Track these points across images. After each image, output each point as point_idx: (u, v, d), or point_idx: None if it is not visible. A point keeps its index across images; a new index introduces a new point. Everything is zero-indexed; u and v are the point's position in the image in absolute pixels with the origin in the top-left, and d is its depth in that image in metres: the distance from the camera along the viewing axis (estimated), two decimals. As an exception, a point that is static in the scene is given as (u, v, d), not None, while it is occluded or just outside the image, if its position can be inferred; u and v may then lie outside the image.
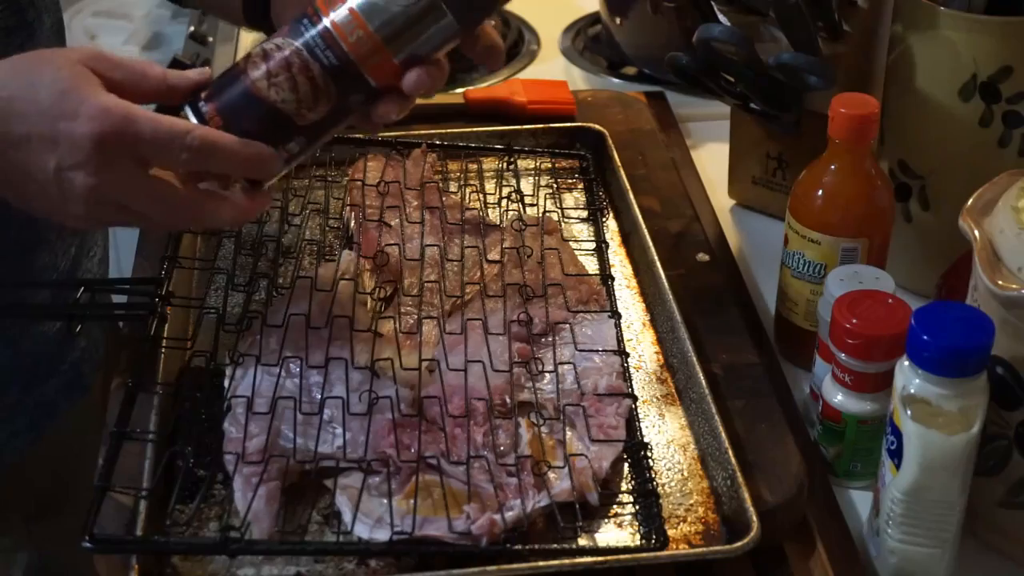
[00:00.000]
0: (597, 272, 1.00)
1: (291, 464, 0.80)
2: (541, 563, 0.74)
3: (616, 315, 0.94)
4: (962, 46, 0.93)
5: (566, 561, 0.75)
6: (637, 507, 0.80)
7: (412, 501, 0.76)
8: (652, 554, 0.76)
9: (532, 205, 1.07)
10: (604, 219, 1.07)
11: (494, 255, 0.98)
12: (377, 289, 0.95)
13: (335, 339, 0.88)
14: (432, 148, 1.12)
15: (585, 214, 1.08)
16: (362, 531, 0.75)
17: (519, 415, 0.84)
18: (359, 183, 1.06)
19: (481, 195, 1.08)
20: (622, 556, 0.75)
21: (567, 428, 0.83)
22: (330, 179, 1.10)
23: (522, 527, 0.76)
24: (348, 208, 1.04)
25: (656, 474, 0.82)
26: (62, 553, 1.13)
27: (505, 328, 0.90)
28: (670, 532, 0.77)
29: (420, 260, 0.97)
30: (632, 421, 0.85)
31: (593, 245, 1.03)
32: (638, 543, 0.77)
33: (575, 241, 1.04)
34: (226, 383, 0.85)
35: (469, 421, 0.82)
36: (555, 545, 0.76)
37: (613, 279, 0.98)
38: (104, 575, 0.77)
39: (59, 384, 1.07)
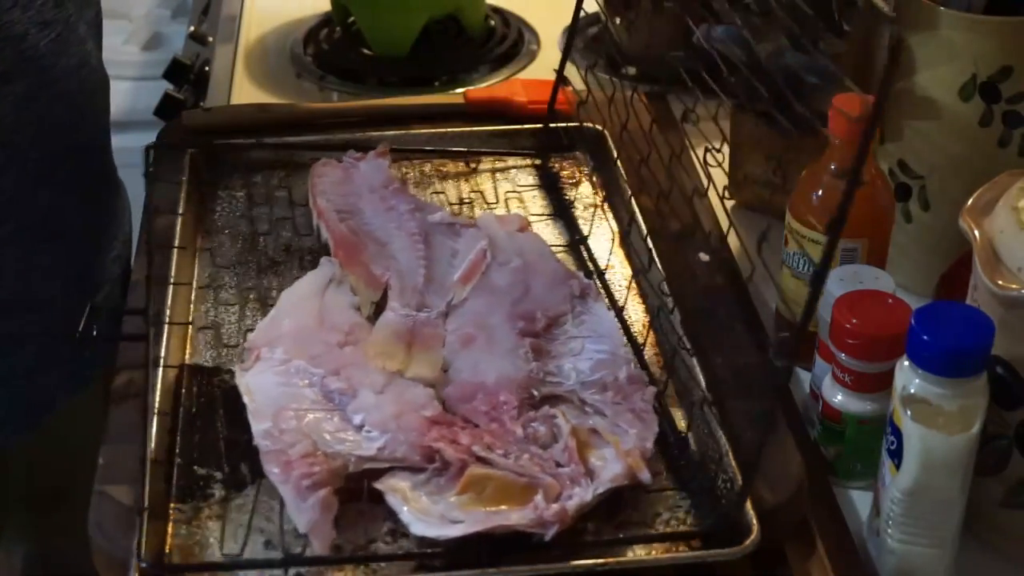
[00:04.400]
0: (580, 268, 1.00)
1: (337, 468, 0.78)
2: (541, 565, 0.74)
3: (615, 307, 0.94)
4: (962, 46, 0.93)
5: (566, 563, 0.75)
6: (681, 496, 0.80)
7: (471, 496, 0.76)
8: (652, 556, 0.76)
9: (494, 204, 1.08)
10: (600, 217, 1.07)
11: (476, 255, 0.98)
12: (368, 293, 0.94)
13: (342, 345, 0.88)
14: (391, 151, 1.11)
15: (582, 209, 1.08)
16: (425, 530, 0.75)
17: (549, 407, 0.84)
18: (323, 190, 1.04)
19: (445, 195, 1.08)
20: (699, 552, 0.76)
21: (598, 417, 0.83)
22: (292, 186, 1.09)
23: (584, 513, 0.77)
24: (316, 215, 1.03)
25: (697, 460, 0.82)
26: (63, 546, 1.13)
27: (510, 325, 0.90)
28: (673, 542, 0.78)
29: (408, 263, 0.97)
30: (661, 411, 0.85)
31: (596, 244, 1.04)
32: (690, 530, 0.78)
33: (556, 238, 1.04)
34: (245, 400, 0.83)
35: (504, 414, 0.82)
36: (620, 535, 0.77)
37: (603, 273, 0.99)
38: (103, 574, 0.77)
39: (60, 376, 1.08)
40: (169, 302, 0.92)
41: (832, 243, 0.68)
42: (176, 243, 0.98)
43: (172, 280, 0.94)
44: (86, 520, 0.78)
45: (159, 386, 0.85)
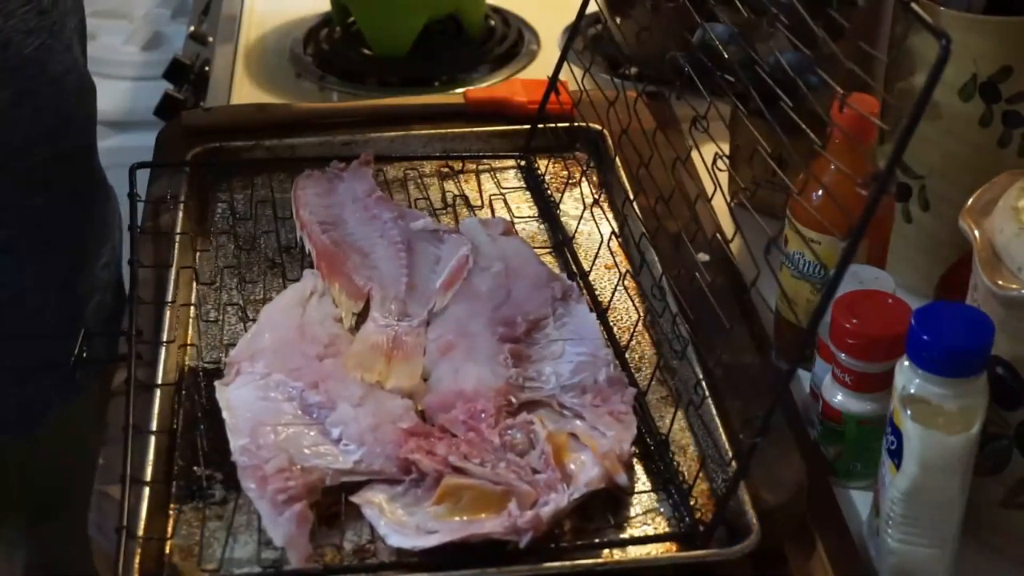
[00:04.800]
0: (566, 271, 1.01)
1: (313, 482, 0.78)
2: (543, 565, 0.74)
3: (599, 309, 0.94)
4: (962, 46, 0.93)
5: (566, 564, 0.75)
6: (660, 498, 0.80)
7: (447, 506, 0.76)
8: (652, 556, 0.76)
9: (479, 207, 1.08)
10: (595, 217, 1.07)
11: (457, 262, 0.98)
12: (349, 304, 0.94)
13: (322, 358, 0.88)
14: (375, 159, 1.11)
15: (576, 210, 1.08)
16: (401, 541, 0.75)
17: (527, 413, 0.84)
18: (306, 202, 1.04)
19: (429, 201, 1.08)
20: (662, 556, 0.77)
21: (576, 420, 0.83)
22: (276, 199, 1.08)
23: (561, 519, 0.77)
24: (300, 227, 1.03)
25: (677, 463, 0.82)
26: (62, 550, 1.13)
27: (491, 330, 0.90)
28: (650, 546, 0.78)
29: (390, 272, 0.97)
30: (641, 412, 0.85)
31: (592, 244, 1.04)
32: (667, 532, 0.78)
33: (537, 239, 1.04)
34: (224, 415, 0.83)
35: (481, 423, 0.82)
36: (595, 539, 0.77)
37: (587, 274, 0.99)
38: (103, 574, 0.77)
39: (53, 382, 1.07)
40: (168, 314, 0.92)
41: (851, 249, 0.67)
42: (173, 262, 0.97)
43: (169, 300, 0.93)
44: (85, 525, 0.78)
45: (157, 400, 0.85)
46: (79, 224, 1.09)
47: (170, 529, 0.78)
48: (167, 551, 0.77)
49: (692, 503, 0.80)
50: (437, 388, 0.86)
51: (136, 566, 0.74)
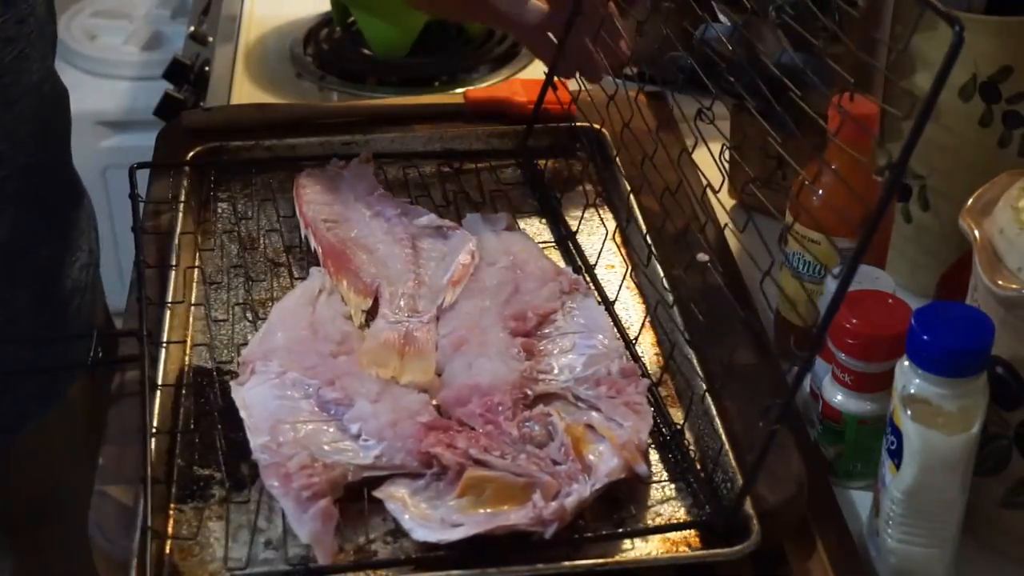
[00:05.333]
0: (570, 265, 1.01)
1: (335, 477, 0.78)
2: (541, 565, 0.74)
3: (606, 302, 0.94)
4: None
5: (566, 563, 0.75)
6: (679, 487, 0.81)
7: (470, 498, 0.76)
8: (652, 556, 0.76)
9: (481, 203, 1.08)
10: (593, 215, 1.07)
11: (464, 257, 0.98)
12: (358, 301, 0.94)
13: (336, 355, 0.88)
14: (375, 157, 1.11)
15: (575, 207, 1.08)
16: (427, 535, 0.75)
17: (544, 406, 0.84)
18: (309, 200, 1.04)
19: (430, 198, 1.08)
20: (698, 554, 0.76)
21: (592, 412, 0.83)
22: (277, 199, 1.08)
23: (583, 510, 0.77)
24: (304, 225, 1.03)
25: (693, 453, 0.83)
26: (50, 556, 1.13)
27: (501, 325, 0.90)
28: (671, 535, 0.78)
29: (397, 268, 0.97)
30: (655, 403, 0.86)
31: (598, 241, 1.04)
32: (687, 520, 0.79)
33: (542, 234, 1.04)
34: (242, 414, 0.83)
35: (499, 416, 0.82)
36: (619, 529, 0.78)
37: (593, 267, 0.99)
38: (104, 575, 0.77)
39: (31, 392, 1.07)
40: (168, 314, 0.92)
41: (863, 245, 0.67)
42: (175, 262, 0.97)
43: (169, 300, 0.93)
44: (72, 530, 0.77)
45: (157, 401, 0.85)
46: (52, 229, 1.08)
47: (170, 529, 0.78)
48: (167, 551, 0.77)
49: (711, 492, 0.80)
50: (452, 383, 0.86)
51: (136, 566, 0.74)
